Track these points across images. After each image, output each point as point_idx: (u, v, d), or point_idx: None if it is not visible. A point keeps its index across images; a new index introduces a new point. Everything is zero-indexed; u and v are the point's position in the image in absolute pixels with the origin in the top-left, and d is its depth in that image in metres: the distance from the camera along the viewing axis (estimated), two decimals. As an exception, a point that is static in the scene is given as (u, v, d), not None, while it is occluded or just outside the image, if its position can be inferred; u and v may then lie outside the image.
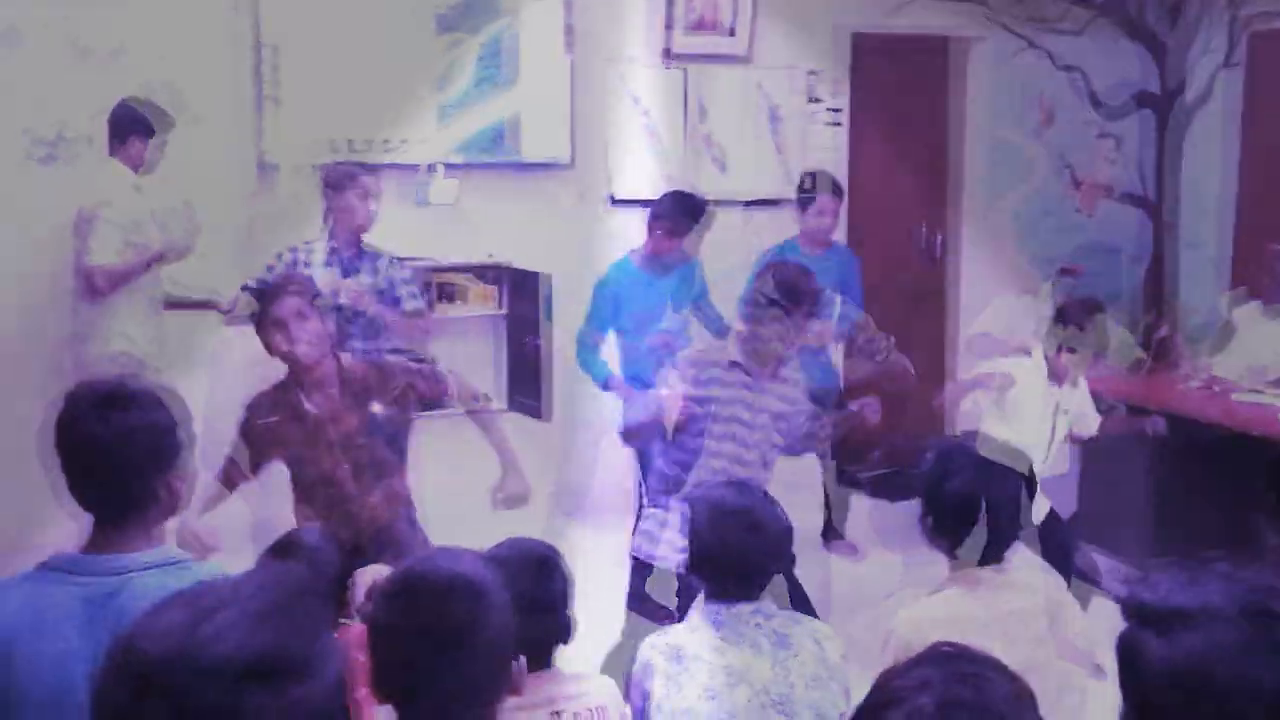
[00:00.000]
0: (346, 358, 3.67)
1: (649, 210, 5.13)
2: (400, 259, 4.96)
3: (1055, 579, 3.00)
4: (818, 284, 3.87)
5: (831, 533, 6.04)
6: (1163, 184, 7.12)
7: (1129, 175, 7.25)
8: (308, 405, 3.49)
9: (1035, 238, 7.15)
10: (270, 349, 3.53)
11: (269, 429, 3.51)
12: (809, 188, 5.62)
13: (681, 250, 5.13)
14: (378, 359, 3.93)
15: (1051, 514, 4.66)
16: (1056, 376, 4.59)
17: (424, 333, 4.92)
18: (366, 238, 4.85)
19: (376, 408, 3.55)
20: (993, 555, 2.55)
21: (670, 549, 3.66)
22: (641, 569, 3.79)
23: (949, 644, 1.44)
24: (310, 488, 3.55)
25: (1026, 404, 4.59)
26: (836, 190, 5.66)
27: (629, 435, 4.09)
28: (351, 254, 4.76)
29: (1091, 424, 4.82)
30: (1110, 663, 1.78)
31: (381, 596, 1.91)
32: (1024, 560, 2.70)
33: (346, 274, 4.72)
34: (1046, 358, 4.58)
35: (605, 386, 5.10)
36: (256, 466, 3.59)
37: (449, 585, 1.84)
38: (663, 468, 3.88)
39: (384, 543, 3.56)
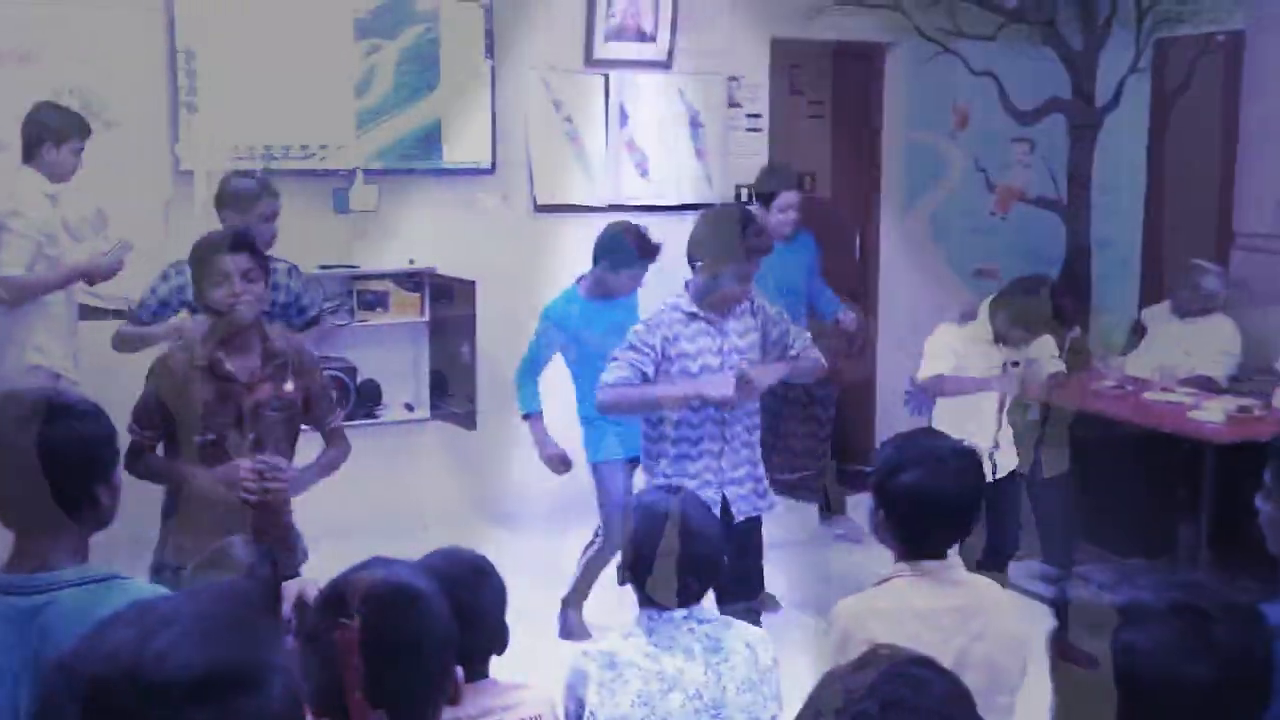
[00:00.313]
0: (270, 329, 3.56)
1: (597, 245, 4.91)
2: (295, 267, 4.75)
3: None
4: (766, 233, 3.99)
5: (832, 507, 6.11)
6: (1075, 187, 7.28)
7: (1042, 178, 7.39)
8: (229, 365, 3.37)
9: (951, 239, 7.27)
10: (202, 299, 3.40)
11: (182, 387, 3.34)
12: (773, 184, 5.67)
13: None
14: (299, 342, 3.81)
15: (1011, 475, 4.84)
16: (1002, 338, 4.72)
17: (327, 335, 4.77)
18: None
19: (289, 387, 3.45)
20: (940, 550, 2.58)
21: None
22: None
23: (888, 646, 1.47)
24: (202, 453, 3.37)
25: (973, 369, 4.72)
26: (799, 184, 5.71)
27: (611, 407, 4.01)
28: None
29: (1043, 370, 4.88)
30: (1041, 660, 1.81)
31: (318, 610, 1.88)
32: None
33: None
34: (992, 321, 4.71)
35: (526, 418, 4.94)
36: (152, 429, 3.40)
37: (389, 596, 1.82)
38: (660, 434, 3.96)
39: (270, 524, 3.44)
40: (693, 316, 3.90)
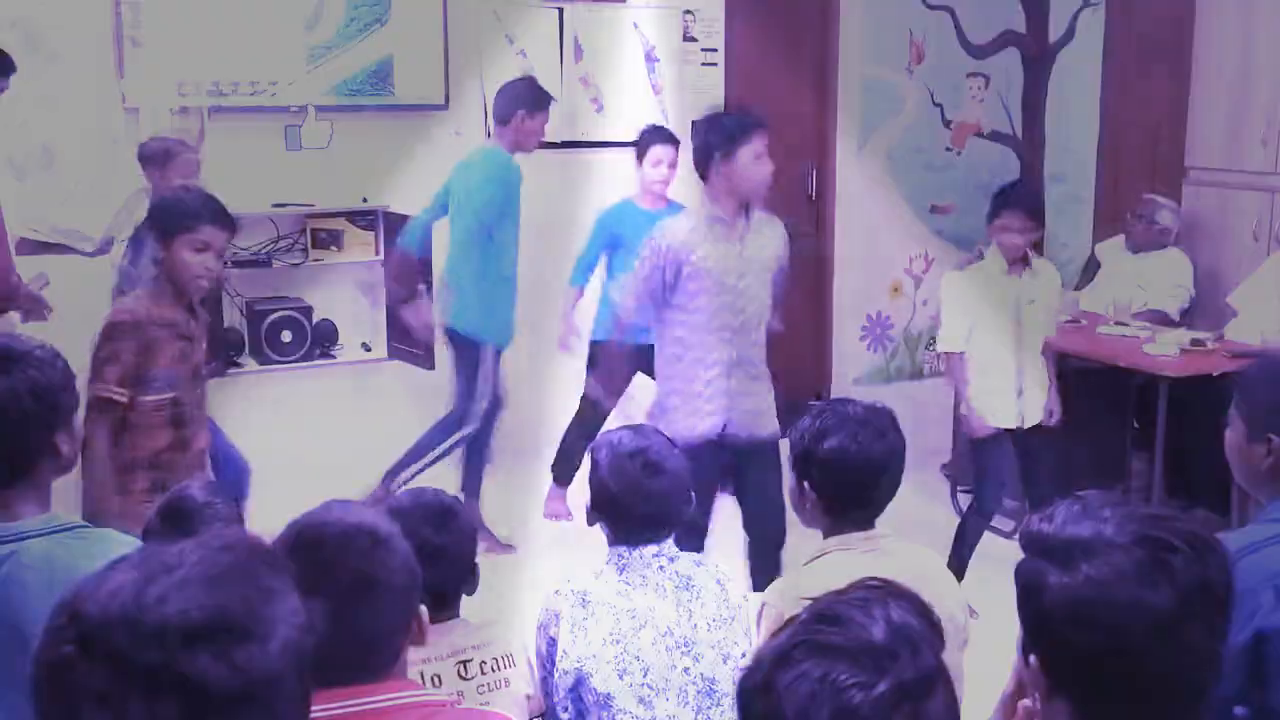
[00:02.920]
0: None
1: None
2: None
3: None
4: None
5: None
6: (1029, 122, 7.29)
7: (997, 113, 7.40)
8: (193, 326, 3.48)
9: (907, 176, 7.26)
10: (174, 258, 3.40)
11: (151, 343, 3.38)
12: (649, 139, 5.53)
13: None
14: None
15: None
16: (1012, 263, 4.54)
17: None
18: None
19: (204, 345, 3.59)
20: (869, 520, 2.54)
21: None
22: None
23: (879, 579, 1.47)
24: (158, 413, 3.42)
25: (987, 311, 4.57)
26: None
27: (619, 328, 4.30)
28: None
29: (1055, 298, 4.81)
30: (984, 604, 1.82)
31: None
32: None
33: None
34: (1000, 246, 4.51)
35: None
36: (127, 387, 3.39)
37: (344, 536, 1.80)
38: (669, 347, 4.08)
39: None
40: (714, 220, 3.94)
